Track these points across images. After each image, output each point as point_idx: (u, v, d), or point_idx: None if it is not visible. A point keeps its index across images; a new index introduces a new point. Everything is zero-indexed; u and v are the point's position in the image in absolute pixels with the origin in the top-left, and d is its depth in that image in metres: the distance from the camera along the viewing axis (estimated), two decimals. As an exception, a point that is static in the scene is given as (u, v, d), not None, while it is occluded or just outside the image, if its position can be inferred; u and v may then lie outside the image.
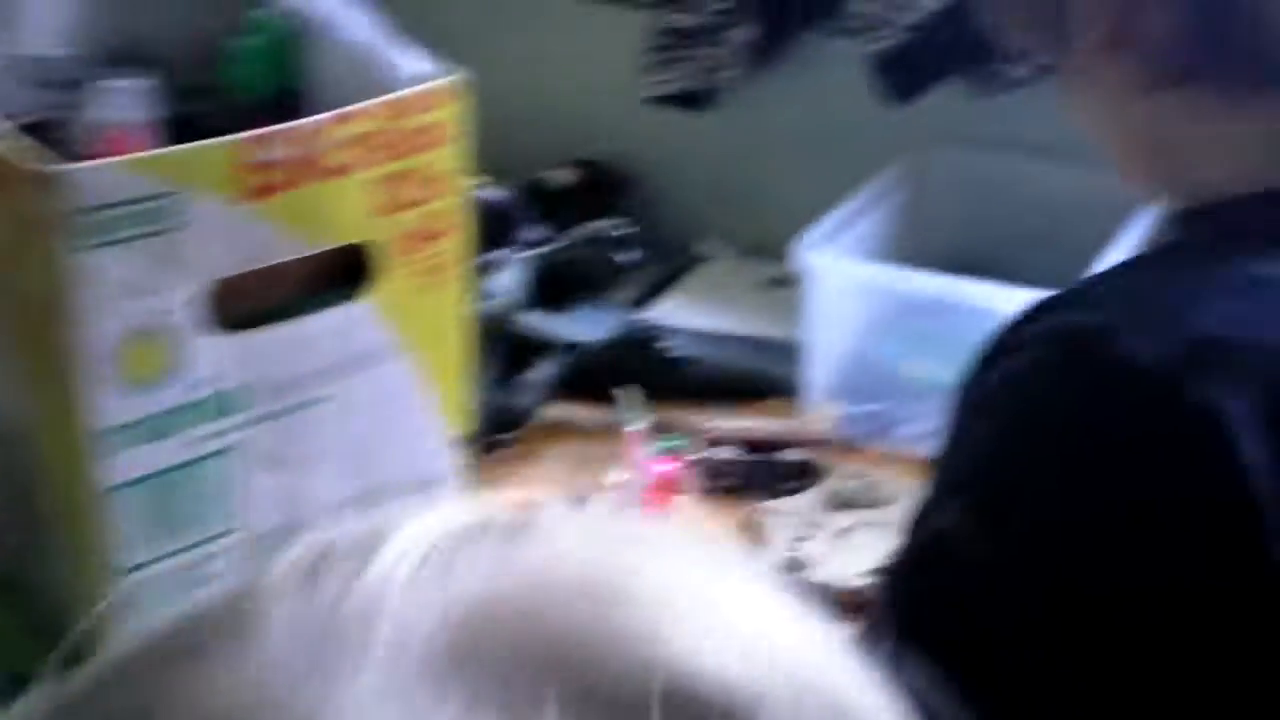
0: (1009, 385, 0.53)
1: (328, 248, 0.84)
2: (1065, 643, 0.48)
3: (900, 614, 0.53)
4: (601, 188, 1.44)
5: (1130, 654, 0.48)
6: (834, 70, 1.32)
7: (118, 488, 0.80)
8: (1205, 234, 0.56)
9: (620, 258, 1.19)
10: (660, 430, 1.12)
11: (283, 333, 0.84)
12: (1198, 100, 0.56)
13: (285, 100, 0.91)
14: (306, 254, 0.83)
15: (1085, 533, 0.49)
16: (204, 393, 0.82)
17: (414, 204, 0.86)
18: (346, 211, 0.83)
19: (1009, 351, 0.53)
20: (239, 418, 0.83)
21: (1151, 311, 0.51)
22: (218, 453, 0.83)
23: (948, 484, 0.54)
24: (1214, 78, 0.55)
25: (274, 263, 0.82)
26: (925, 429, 1.10)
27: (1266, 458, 0.47)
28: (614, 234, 1.19)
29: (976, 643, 0.50)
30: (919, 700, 0.26)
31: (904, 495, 1.03)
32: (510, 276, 1.19)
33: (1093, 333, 0.50)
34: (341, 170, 0.82)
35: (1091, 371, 0.50)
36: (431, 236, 0.88)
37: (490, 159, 1.36)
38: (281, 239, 0.81)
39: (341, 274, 0.87)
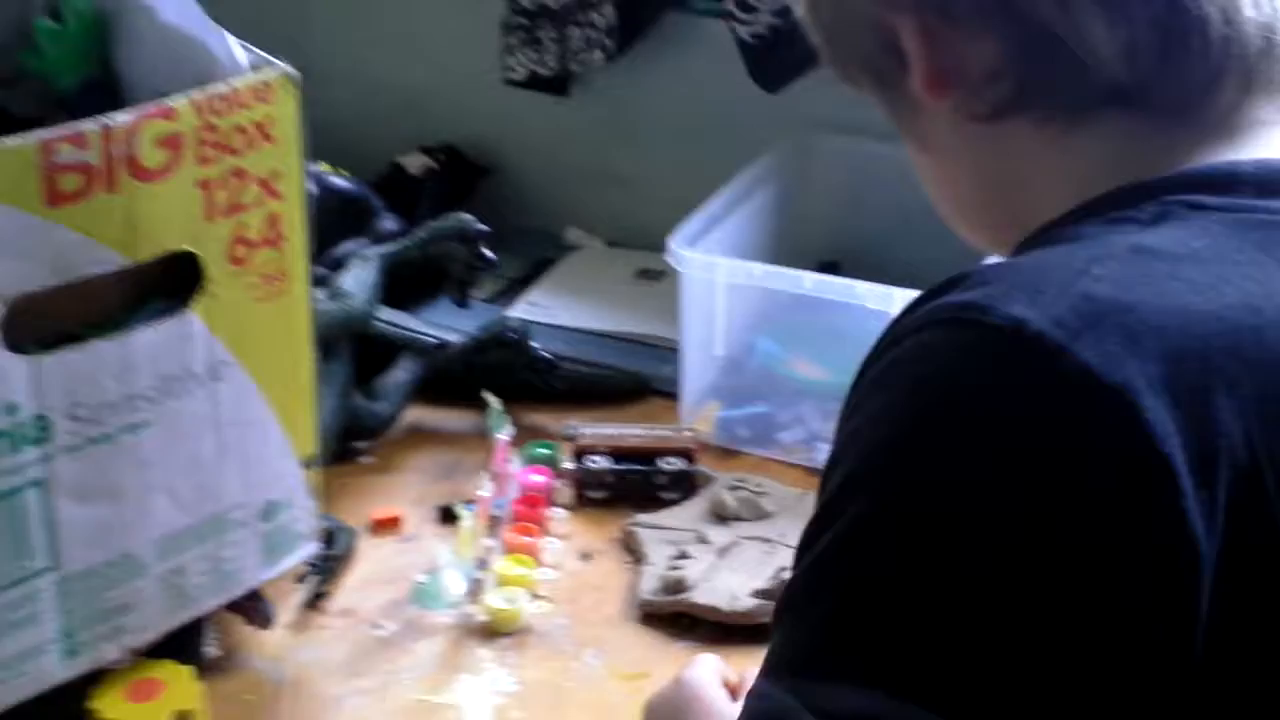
0: (890, 377, 0.50)
1: (148, 259, 0.76)
2: (973, 614, 0.46)
3: (813, 639, 0.49)
4: (462, 174, 1.38)
5: (1038, 634, 0.45)
6: (707, 53, 1.26)
7: (-85, 529, 0.72)
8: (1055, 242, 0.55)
9: (483, 250, 1.12)
10: (528, 437, 1.07)
11: (98, 352, 0.76)
12: (1023, 134, 0.56)
13: (100, 90, 0.82)
14: (123, 266, 0.75)
15: (986, 514, 0.46)
16: (8, 421, 0.74)
17: (244, 207, 0.78)
18: (168, 217, 0.76)
19: (891, 345, 0.51)
20: (50, 446, 0.75)
21: (1035, 281, 0.48)
22: (27, 485, 0.75)
23: (839, 490, 0.50)
24: (1039, 108, 0.55)
25: (86, 276, 0.74)
26: (807, 432, 1.06)
27: (1170, 422, 0.45)
28: (476, 225, 1.12)
29: (905, 644, 0.46)
30: None
31: (788, 507, 0.99)
32: (365, 271, 1.12)
33: (974, 307, 0.47)
34: (160, 171, 0.75)
35: (978, 343, 0.47)
36: (266, 242, 0.80)
37: (343, 144, 1.29)
38: (94, 250, 0.74)
39: (165, 286, 0.79)
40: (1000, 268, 0.52)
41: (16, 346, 0.72)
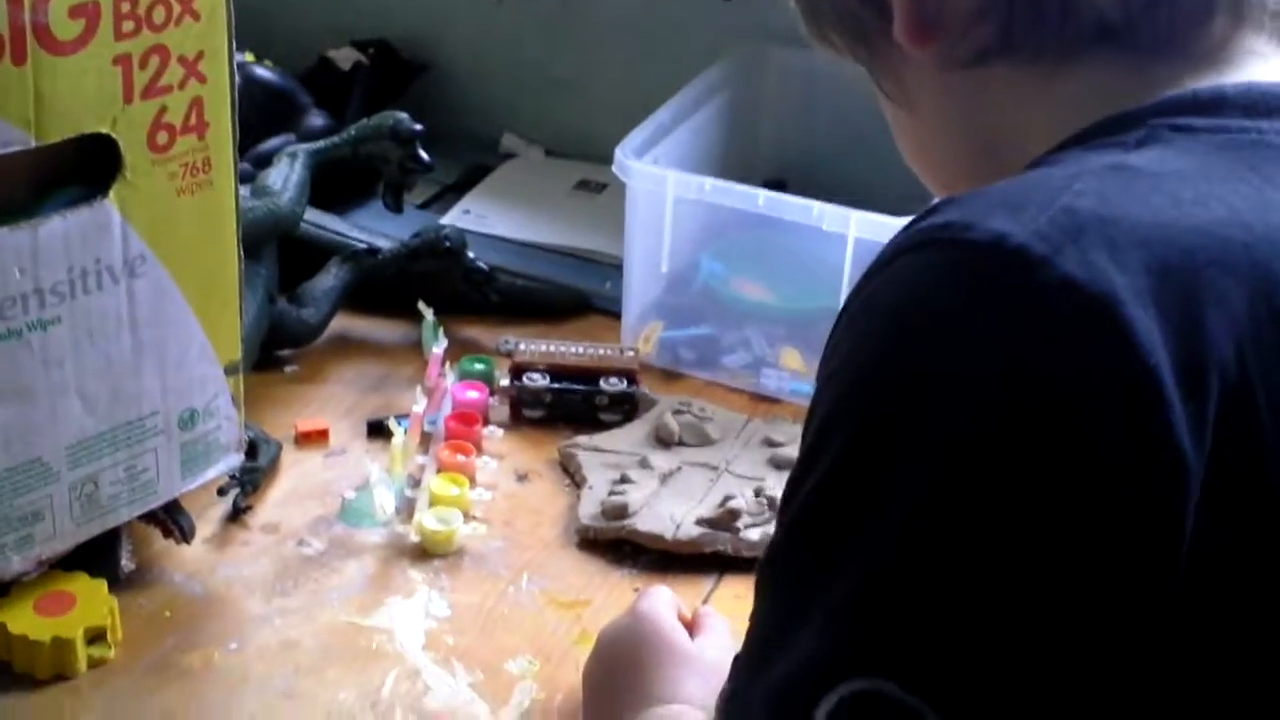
0: (866, 311, 0.49)
1: (59, 140, 0.70)
2: (956, 539, 0.44)
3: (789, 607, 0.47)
4: (394, 72, 1.31)
5: (1021, 548, 0.44)
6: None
7: None
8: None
9: (418, 150, 1.07)
10: (463, 351, 1.02)
11: (3, 241, 0.70)
12: (1007, 80, 0.55)
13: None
14: (31, 147, 0.69)
15: (967, 432, 0.45)
16: (-97, 314, 0.67)
17: (166, 89, 0.73)
18: (81, 95, 0.70)
19: (866, 282, 0.50)
20: (-51, 344, 0.69)
21: (1014, 199, 0.47)
22: (-75, 385, 0.69)
23: (816, 436, 0.48)
24: (1024, 50, 0.54)
25: (-11, 157, 0.68)
26: (752, 357, 1.03)
27: (1158, 334, 0.44)
28: (410, 123, 1.07)
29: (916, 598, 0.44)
30: None
31: (733, 433, 0.95)
32: (292, 169, 1.05)
33: (953, 225, 0.47)
34: (74, 44, 0.68)
35: (957, 261, 0.46)
36: (189, 129, 0.74)
37: (268, 33, 1.22)
38: (-1, 128, 0.68)
39: (78, 172, 0.73)
40: (976, 192, 0.50)
41: (-89, 232, 0.67)
